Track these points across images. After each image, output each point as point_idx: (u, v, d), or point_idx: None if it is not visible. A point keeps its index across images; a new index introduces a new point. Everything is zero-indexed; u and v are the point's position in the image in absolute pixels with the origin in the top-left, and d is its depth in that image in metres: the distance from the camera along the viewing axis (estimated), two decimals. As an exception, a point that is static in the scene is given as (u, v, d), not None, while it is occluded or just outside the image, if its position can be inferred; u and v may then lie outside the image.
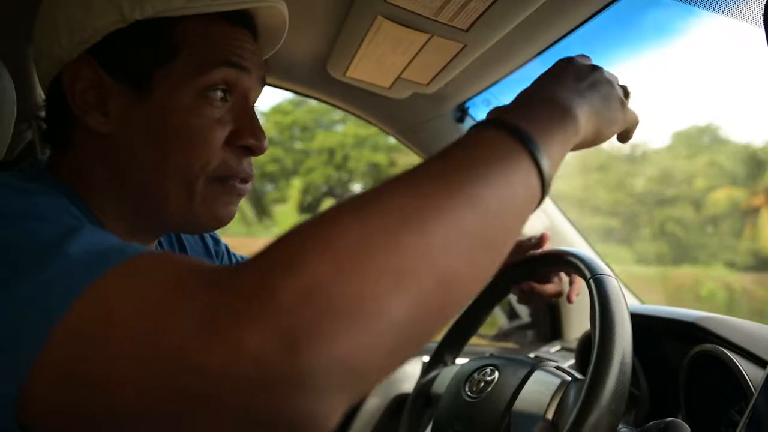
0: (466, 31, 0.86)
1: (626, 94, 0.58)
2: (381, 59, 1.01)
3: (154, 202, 0.59)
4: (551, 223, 1.30)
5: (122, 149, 0.57)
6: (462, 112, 1.23)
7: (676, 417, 0.65)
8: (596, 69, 0.54)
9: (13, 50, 0.77)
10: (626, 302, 0.69)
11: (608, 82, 0.54)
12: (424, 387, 1.01)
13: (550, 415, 0.69)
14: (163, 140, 0.56)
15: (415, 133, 1.25)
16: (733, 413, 0.82)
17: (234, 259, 0.90)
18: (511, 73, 1.10)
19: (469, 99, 1.20)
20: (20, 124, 0.69)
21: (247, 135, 0.60)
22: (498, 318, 1.55)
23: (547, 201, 1.31)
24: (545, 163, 0.41)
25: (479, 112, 1.24)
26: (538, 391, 0.73)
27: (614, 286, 0.71)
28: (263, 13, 0.63)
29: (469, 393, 0.82)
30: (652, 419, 0.67)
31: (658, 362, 0.96)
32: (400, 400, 1.25)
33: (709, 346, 0.82)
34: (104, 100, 0.56)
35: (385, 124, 1.25)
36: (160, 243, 0.76)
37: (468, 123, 1.24)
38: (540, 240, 0.91)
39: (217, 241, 0.88)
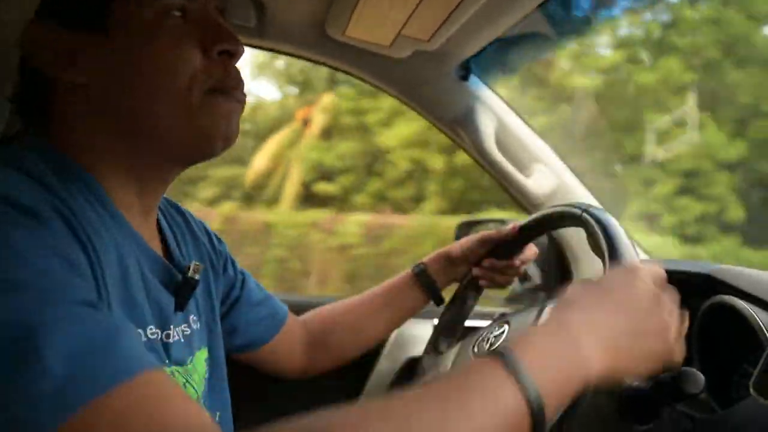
0: (466, -21, 0.82)
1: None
2: (380, 15, 0.98)
3: (153, 131, 0.59)
4: (560, 181, 1.28)
5: (105, 93, 0.58)
6: (465, 70, 1.20)
7: (690, 367, 0.64)
8: (655, 296, 0.56)
9: None
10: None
11: (660, 314, 0.56)
12: (434, 349, 1.01)
13: None
14: (141, 71, 0.57)
15: (417, 92, 1.22)
16: (746, 366, 0.80)
17: (234, 268, 0.91)
18: (513, 26, 1.06)
19: (472, 56, 1.16)
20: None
21: (218, 39, 0.60)
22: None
23: (555, 159, 1.29)
24: (532, 392, 0.44)
25: (482, 69, 1.20)
26: None
27: (614, 222, 0.73)
28: None
29: (477, 351, 0.82)
30: (665, 371, 0.66)
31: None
32: (412, 363, 1.25)
33: (725, 296, 0.81)
34: (71, 55, 0.57)
35: (387, 84, 1.22)
36: (174, 235, 0.76)
37: (472, 81, 1.21)
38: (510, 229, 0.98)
39: (219, 240, 0.89)
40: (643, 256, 1.29)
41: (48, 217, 0.46)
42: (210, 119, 0.60)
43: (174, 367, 0.64)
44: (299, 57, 1.23)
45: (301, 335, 0.99)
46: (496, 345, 0.80)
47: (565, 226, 0.90)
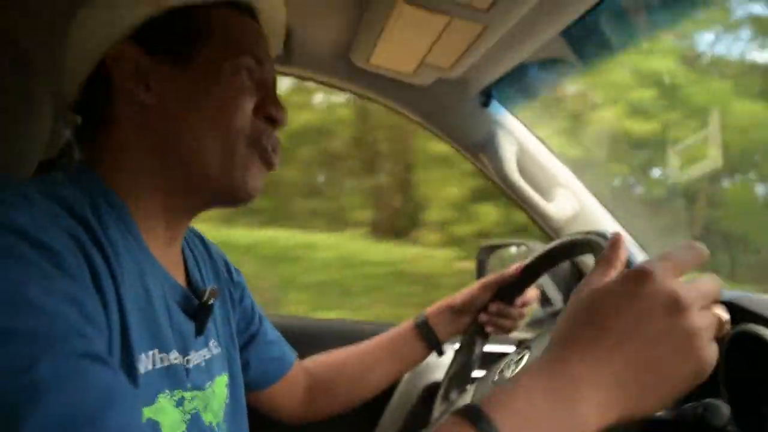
0: (486, 11, 0.85)
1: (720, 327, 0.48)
2: (403, 44, 1.01)
3: (196, 165, 0.65)
4: (581, 206, 1.28)
5: (165, 117, 0.64)
6: (487, 96, 1.22)
7: (716, 399, 0.63)
8: (671, 300, 0.44)
9: (46, 53, 0.80)
10: None
11: (681, 323, 0.44)
12: (446, 398, 1.01)
13: None
14: (203, 106, 0.65)
15: (439, 119, 1.24)
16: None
17: (252, 302, 0.94)
18: (534, 53, 1.08)
19: (494, 83, 1.18)
20: (55, 123, 0.72)
21: (269, 105, 0.69)
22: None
23: (577, 183, 1.29)
24: None
25: (503, 95, 1.22)
26: None
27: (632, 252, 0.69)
28: (265, 10, 0.74)
29: (497, 380, 0.82)
30: (691, 401, 0.66)
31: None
32: (431, 389, 1.25)
33: (750, 325, 0.80)
34: (146, 77, 0.64)
35: (410, 110, 1.25)
36: (196, 261, 0.79)
37: (493, 106, 1.23)
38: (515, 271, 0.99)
39: (237, 271, 0.92)
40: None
41: (66, 257, 0.48)
42: (242, 172, 0.67)
43: (194, 392, 0.66)
44: (324, 84, 1.26)
45: (304, 381, 1.00)
46: (516, 371, 0.80)
47: (570, 258, 0.90)
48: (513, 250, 1.36)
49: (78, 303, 0.47)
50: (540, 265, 0.96)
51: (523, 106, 1.28)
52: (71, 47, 0.66)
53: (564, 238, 0.88)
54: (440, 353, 1.03)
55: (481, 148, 1.23)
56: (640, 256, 1.29)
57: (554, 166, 1.28)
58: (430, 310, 1.03)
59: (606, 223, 1.32)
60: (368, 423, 1.26)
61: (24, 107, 0.71)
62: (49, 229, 0.49)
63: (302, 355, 1.03)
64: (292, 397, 0.98)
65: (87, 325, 0.47)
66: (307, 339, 1.30)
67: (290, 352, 0.99)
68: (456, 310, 1.01)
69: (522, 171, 1.24)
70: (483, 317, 1.01)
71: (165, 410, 0.59)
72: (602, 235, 0.76)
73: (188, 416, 0.63)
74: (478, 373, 1.00)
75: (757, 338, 0.77)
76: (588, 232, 0.80)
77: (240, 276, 0.92)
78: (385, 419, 1.25)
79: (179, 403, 0.62)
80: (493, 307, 1.00)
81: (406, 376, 1.27)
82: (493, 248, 1.42)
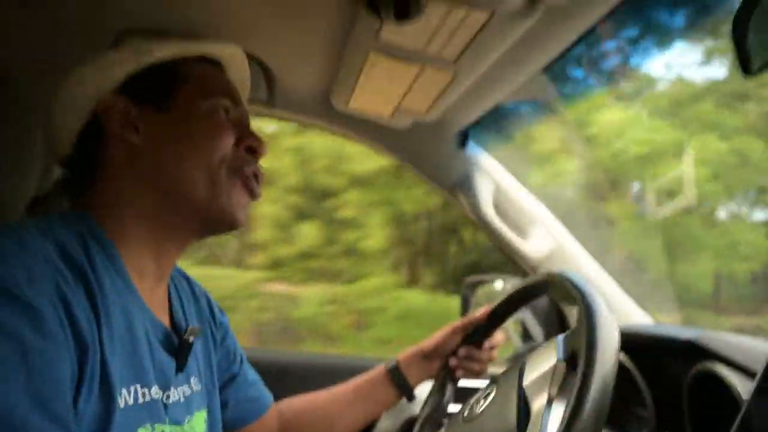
0: (455, 62, 0.89)
1: None
2: (379, 90, 1.05)
3: (183, 196, 0.71)
4: (557, 245, 1.31)
5: (153, 154, 0.71)
6: (463, 137, 1.26)
7: None
8: None
9: (42, 97, 0.84)
10: (615, 325, 0.70)
11: None
12: (428, 416, 1.03)
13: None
14: (187, 141, 0.72)
15: (418, 160, 1.29)
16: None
17: (234, 343, 0.97)
18: (509, 96, 1.12)
19: (470, 124, 1.23)
20: (48, 160, 0.76)
21: (249, 138, 0.77)
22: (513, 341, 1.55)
23: (553, 220, 1.32)
24: None
25: (480, 136, 1.27)
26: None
27: (602, 307, 0.70)
28: (232, 64, 0.85)
29: (467, 416, 0.84)
30: None
31: (662, 381, 0.96)
32: (410, 423, 1.26)
33: (708, 364, 0.83)
34: (136, 122, 0.72)
35: (391, 152, 1.29)
36: (180, 300, 0.83)
37: (470, 147, 1.27)
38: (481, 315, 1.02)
39: (222, 312, 0.96)
40: (648, 320, 1.31)
41: (46, 316, 0.53)
42: (227, 198, 0.73)
43: (173, 426, 0.68)
44: (308, 125, 1.30)
45: (277, 423, 1.02)
46: (487, 404, 0.82)
47: (531, 299, 0.93)
48: (498, 284, 1.38)
49: (54, 366, 0.53)
50: (505, 308, 0.98)
51: (499, 146, 1.32)
52: (63, 103, 0.72)
53: (525, 281, 0.91)
54: (410, 398, 1.06)
55: (459, 188, 1.27)
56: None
57: (530, 204, 1.32)
58: (401, 355, 1.06)
59: (581, 259, 1.35)
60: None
61: (17, 144, 0.75)
62: (35, 281, 0.54)
63: (281, 390, 1.04)
64: None
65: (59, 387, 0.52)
66: (287, 374, 1.32)
67: (267, 394, 1.01)
68: (426, 356, 1.04)
69: (498, 210, 1.28)
70: (453, 361, 1.03)
71: None
72: (562, 278, 0.79)
73: None
74: (453, 408, 1.02)
75: (716, 378, 0.80)
76: (547, 275, 0.83)
77: (224, 316, 0.95)
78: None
79: None
80: (462, 352, 1.03)
81: (384, 412, 1.28)
82: (477, 283, 1.44)
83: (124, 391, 0.61)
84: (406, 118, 1.15)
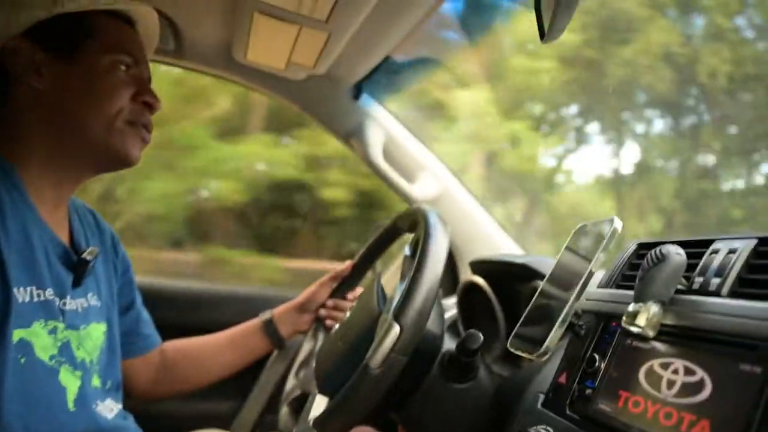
0: (326, 21, 1.00)
1: None
2: (269, 45, 1.15)
3: (80, 139, 0.81)
4: (444, 189, 1.47)
5: (53, 100, 0.80)
6: (357, 90, 1.38)
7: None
8: None
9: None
10: (443, 225, 0.83)
11: None
12: (304, 360, 1.19)
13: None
14: (86, 93, 0.80)
15: (315, 109, 1.40)
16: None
17: (132, 280, 1.06)
18: (395, 48, 1.22)
19: (363, 78, 1.34)
20: None
21: (145, 94, 0.85)
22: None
23: (442, 168, 1.47)
24: None
25: (373, 88, 1.39)
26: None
27: (434, 216, 0.84)
28: (141, 20, 0.90)
29: (337, 326, 0.99)
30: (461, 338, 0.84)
31: (510, 300, 1.13)
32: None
33: (536, 282, 1.00)
34: (38, 66, 0.78)
35: (289, 101, 1.40)
36: (83, 228, 0.93)
37: (363, 99, 1.39)
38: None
39: (125, 253, 1.05)
40: (515, 248, 1.47)
41: None
42: (121, 143, 0.83)
43: (69, 331, 0.81)
44: (212, 75, 1.39)
45: (159, 361, 1.13)
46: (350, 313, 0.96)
47: (390, 243, 1.08)
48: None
49: None
50: (366, 259, 1.14)
51: (391, 98, 1.45)
52: None
53: (379, 232, 1.06)
54: (281, 348, 1.20)
55: (352, 136, 1.40)
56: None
57: (419, 151, 1.46)
58: (277, 309, 1.19)
59: (468, 204, 1.51)
60: (252, 375, 1.40)
61: None
62: None
63: (191, 319, 1.17)
64: (143, 374, 1.10)
65: None
66: (199, 304, 1.45)
67: (156, 335, 1.12)
68: (300, 309, 1.19)
69: (388, 156, 1.41)
70: (322, 312, 1.19)
71: (38, 334, 0.75)
72: (406, 211, 0.94)
73: (59, 343, 0.79)
74: None
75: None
76: (396, 216, 0.98)
77: (125, 254, 1.06)
78: (269, 369, 1.39)
79: (52, 331, 0.78)
80: (330, 303, 1.18)
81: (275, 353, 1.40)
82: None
83: (22, 289, 0.73)
84: (299, 71, 1.26)
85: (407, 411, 0.88)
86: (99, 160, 0.85)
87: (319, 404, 0.97)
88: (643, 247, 0.79)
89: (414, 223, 0.92)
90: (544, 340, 0.67)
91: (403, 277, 0.88)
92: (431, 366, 0.86)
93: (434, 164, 1.47)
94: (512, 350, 0.75)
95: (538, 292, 0.79)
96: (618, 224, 0.68)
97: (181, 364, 1.14)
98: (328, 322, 1.18)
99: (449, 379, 0.86)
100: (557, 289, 0.75)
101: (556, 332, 0.67)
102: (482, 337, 0.82)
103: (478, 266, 1.20)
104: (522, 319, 0.78)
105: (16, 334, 0.71)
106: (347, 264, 1.17)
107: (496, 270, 1.15)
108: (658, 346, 0.61)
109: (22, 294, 0.73)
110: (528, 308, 0.78)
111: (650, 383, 0.59)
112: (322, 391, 0.90)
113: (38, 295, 0.76)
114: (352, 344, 0.85)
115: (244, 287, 1.56)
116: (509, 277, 1.10)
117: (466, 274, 1.56)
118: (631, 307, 0.61)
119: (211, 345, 1.17)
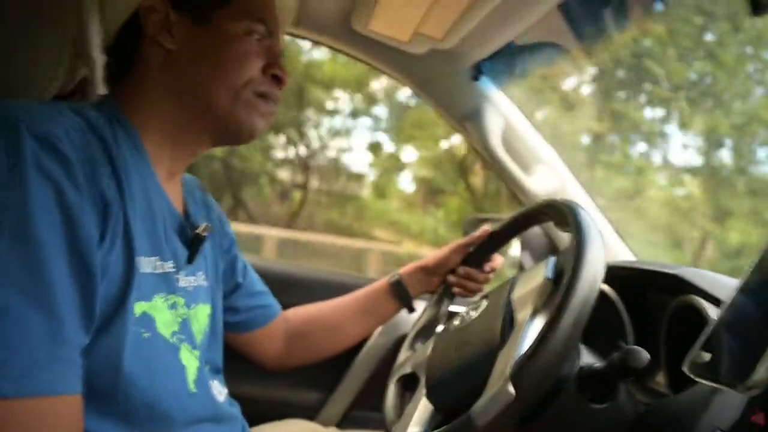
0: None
1: None
2: (398, 13, 1.07)
3: (205, 106, 0.76)
4: (561, 185, 1.35)
5: (182, 63, 0.75)
6: (477, 71, 1.28)
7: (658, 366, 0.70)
8: None
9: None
10: (602, 248, 0.73)
11: None
12: (411, 347, 1.09)
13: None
14: (216, 59, 0.75)
15: (431, 87, 1.31)
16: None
17: (239, 253, 1.02)
18: (527, 29, 1.13)
19: (486, 59, 1.24)
20: (75, 61, 0.79)
21: (275, 67, 0.79)
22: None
23: (559, 162, 1.35)
24: None
25: (494, 71, 1.28)
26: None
27: (593, 231, 0.74)
28: None
29: (458, 323, 0.89)
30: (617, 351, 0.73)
31: (644, 314, 1.01)
32: (401, 341, 1.32)
33: (689, 297, 0.87)
34: (170, 27, 0.75)
35: (405, 77, 1.31)
36: (194, 201, 0.88)
37: (483, 81, 1.29)
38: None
39: (228, 223, 1.01)
40: (630, 256, 1.35)
41: (77, 169, 0.58)
42: (247, 114, 0.77)
43: (186, 309, 0.75)
44: (327, 46, 1.32)
45: (284, 331, 1.09)
46: (473, 317, 0.86)
47: (533, 224, 0.96)
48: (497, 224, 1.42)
49: (80, 221, 0.58)
50: (507, 231, 1.02)
51: (511, 85, 1.34)
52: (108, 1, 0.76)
53: (527, 208, 0.95)
54: (411, 310, 1.11)
55: (468, 119, 1.30)
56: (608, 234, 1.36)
57: (538, 144, 1.34)
58: (404, 270, 1.11)
59: (585, 204, 1.38)
60: (340, 369, 1.35)
61: (47, 39, 0.78)
62: (71, 140, 0.59)
63: (283, 300, 1.11)
64: (272, 344, 1.07)
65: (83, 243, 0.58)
66: (289, 285, 1.38)
67: (275, 303, 1.08)
68: (428, 271, 1.10)
69: (506, 144, 1.30)
70: (452, 278, 1.08)
71: (159, 309, 0.69)
72: (561, 203, 0.82)
73: (180, 319, 0.73)
74: (440, 328, 1.07)
75: (697, 311, 0.84)
76: (548, 201, 0.87)
77: (231, 230, 1.01)
78: (356, 366, 1.33)
79: (173, 306, 0.72)
80: (462, 270, 1.07)
81: (379, 328, 1.35)
82: (478, 221, 1.48)
83: (143, 258, 0.67)
84: (423, 43, 1.17)
85: (534, 428, 0.77)
86: (220, 130, 0.79)
87: (426, 406, 0.87)
88: None
89: (563, 219, 0.81)
90: (749, 371, 0.55)
91: (535, 311, 0.77)
92: (566, 384, 0.75)
93: (552, 158, 1.35)
94: (694, 377, 0.63)
95: (726, 308, 0.66)
96: None
97: (316, 334, 1.10)
98: (456, 290, 1.09)
99: (587, 397, 0.74)
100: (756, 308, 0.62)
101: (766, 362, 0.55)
102: (649, 357, 0.70)
103: (606, 272, 1.07)
104: (702, 340, 0.66)
105: (138, 307, 0.65)
106: (484, 229, 1.06)
107: (629, 278, 1.02)
108: None
109: (144, 264, 0.67)
110: (710, 328, 0.66)
111: None
112: (429, 399, 0.82)
113: (160, 267, 0.70)
114: (465, 363, 0.77)
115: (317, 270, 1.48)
116: (650, 289, 0.98)
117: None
118: None
119: (344, 310, 1.11)
